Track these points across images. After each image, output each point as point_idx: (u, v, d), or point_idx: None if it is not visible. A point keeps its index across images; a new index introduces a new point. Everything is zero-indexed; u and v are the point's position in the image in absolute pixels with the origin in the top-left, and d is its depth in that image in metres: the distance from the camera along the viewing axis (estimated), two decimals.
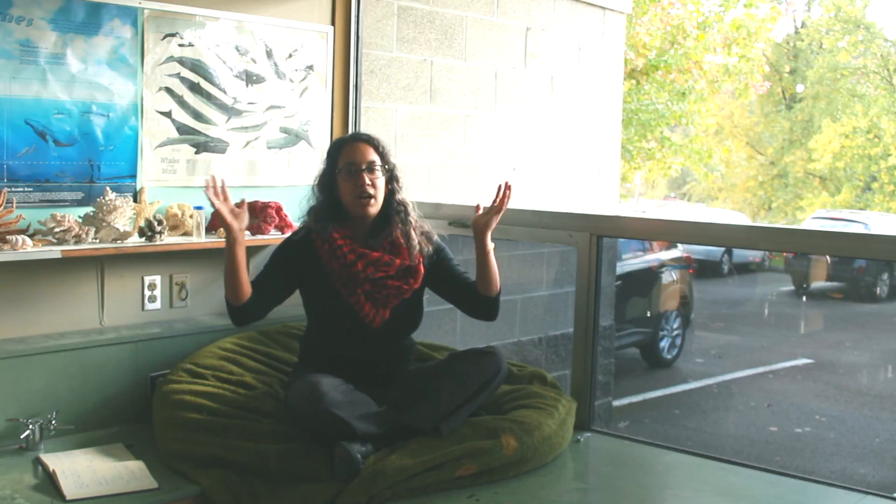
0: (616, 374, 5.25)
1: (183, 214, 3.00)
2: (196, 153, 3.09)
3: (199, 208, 2.99)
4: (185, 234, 3.00)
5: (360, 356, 2.68)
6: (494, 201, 2.70)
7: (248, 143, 3.22)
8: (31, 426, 2.58)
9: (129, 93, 2.89)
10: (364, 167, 2.65)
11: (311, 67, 3.37)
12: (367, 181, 2.64)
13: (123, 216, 2.77)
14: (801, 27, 21.27)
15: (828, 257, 11.31)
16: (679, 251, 8.70)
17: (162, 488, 2.36)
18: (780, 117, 20.47)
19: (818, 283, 12.19)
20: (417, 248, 2.70)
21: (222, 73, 3.11)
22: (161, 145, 3.00)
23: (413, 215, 2.74)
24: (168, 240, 2.90)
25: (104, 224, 2.74)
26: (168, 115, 3.00)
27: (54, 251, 2.63)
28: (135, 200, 2.91)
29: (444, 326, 3.95)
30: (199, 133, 3.08)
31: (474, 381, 2.59)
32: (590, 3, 4.79)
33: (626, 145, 11.04)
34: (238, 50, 3.15)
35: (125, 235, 2.77)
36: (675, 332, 7.87)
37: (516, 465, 2.54)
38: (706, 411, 6.73)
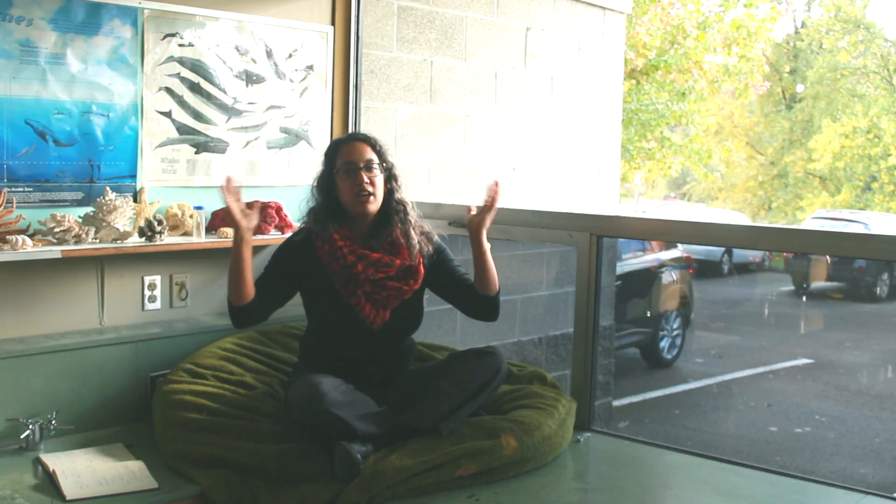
0: (616, 374, 5.25)
1: (183, 214, 3.00)
2: (196, 153, 3.09)
3: (199, 208, 2.99)
4: (185, 234, 3.00)
5: (360, 356, 2.68)
6: (485, 201, 2.71)
7: (248, 143, 3.22)
8: (31, 426, 2.58)
9: (129, 93, 2.89)
10: (362, 166, 2.65)
11: (311, 67, 3.37)
12: (366, 179, 2.64)
13: (123, 216, 2.77)
14: (801, 27, 21.27)
15: (828, 257, 11.31)
16: (679, 251, 8.70)
17: (162, 488, 2.36)
18: (780, 117, 20.47)
19: (818, 283, 12.18)
20: (417, 247, 2.70)
21: (222, 73, 3.11)
22: (161, 145, 3.00)
23: (412, 214, 2.74)
24: (168, 240, 2.90)
25: (104, 224, 2.74)
26: (168, 115, 3.00)
27: (54, 251, 2.62)
28: (135, 200, 2.91)
29: (444, 326, 3.95)
30: (199, 133, 3.08)
31: (474, 381, 2.59)
32: (590, 3, 4.79)
33: (626, 145, 11.04)
34: (238, 50, 3.15)
35: (125, 235, 2.77)
36: (675, 332, 7.87)
37: (516, 465, 2.53)
38: (706, 411, 6.73)
